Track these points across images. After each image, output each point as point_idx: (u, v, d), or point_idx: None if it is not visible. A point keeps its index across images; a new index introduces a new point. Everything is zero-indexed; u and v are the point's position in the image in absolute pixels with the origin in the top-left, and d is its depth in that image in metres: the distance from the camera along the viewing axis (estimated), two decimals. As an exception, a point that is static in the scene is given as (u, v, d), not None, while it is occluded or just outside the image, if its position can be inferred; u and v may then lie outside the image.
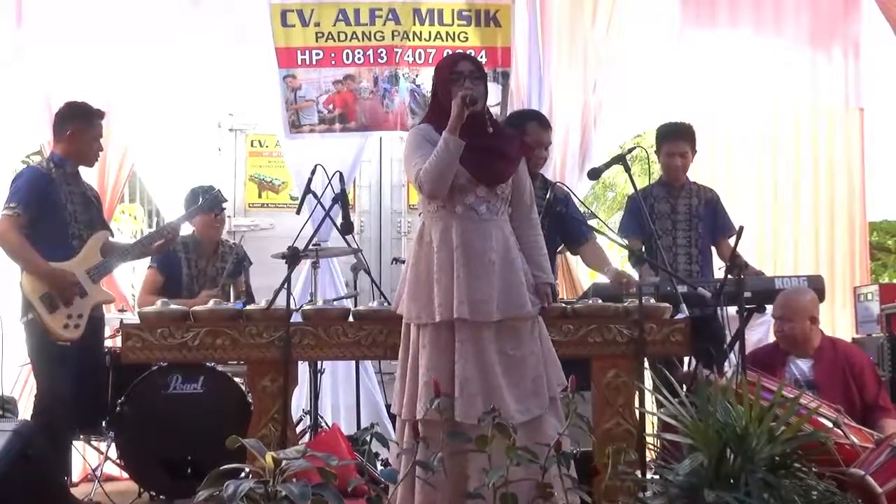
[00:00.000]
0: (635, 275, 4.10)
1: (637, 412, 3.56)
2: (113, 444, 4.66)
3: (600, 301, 3.74)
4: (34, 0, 5.68)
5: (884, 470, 3.29)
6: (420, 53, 5.72)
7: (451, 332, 3.25)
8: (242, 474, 2.74)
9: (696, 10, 6.04)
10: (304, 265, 5.00)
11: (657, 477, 3.04)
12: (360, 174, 6.08)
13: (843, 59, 6.09)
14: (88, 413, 4.45)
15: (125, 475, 4.87)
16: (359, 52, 5.70)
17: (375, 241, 6.19)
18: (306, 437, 4.55)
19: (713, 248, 4.93)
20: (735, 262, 3.89)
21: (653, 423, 4.08)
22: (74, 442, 4.69)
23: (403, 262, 3.87)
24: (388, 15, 5.69)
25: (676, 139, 4.87)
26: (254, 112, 6.15)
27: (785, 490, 2.67)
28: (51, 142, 4.72)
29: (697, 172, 5.20)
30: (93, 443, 5.10)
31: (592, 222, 4.47)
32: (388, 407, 4.98)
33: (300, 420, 4.77)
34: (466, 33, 5.74)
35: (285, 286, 3.57)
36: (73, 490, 4.48)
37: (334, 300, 4.56)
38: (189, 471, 4.19)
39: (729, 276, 3.89)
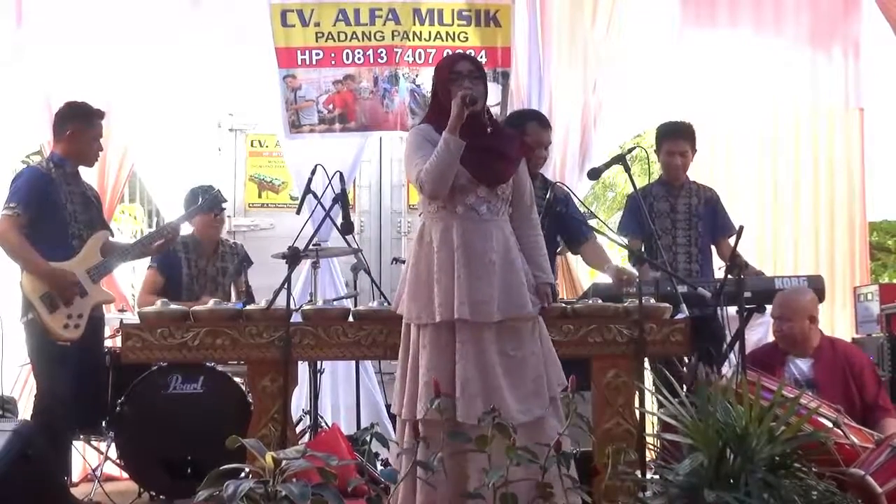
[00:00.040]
0: (635, 272, 4.10)
1: (637, 412, 3.56)
2: (113, 444, 4.66)
3: (600, 301, 3.74)
4: (34, 0, 5.68)
5: (884, 470, 3.29)
6: (420, 53, 5.72)
7: (452, 332, 3.25)
8: (242, 474, 2.74)
9: (696, 10, 6.04)
10: (304, 265, 5.00)
11: (657, 477, 3.04)
12: (360, 174, 6.08)
13: (843, 59, 6.09)
14: (88, 413, 4.45)
15: (125, 475, 4.87)
16: (359, 52, 5.70)
17: (375, 241, 6.19)
18: (306, 437, 4.55)
19: (713, 248, 4.93)
20: (735, 262, 3.89)
21: (653, 423, 4.08)
22: (74, 442, 4.69)
23: (403, 262, 3.87)
24: (388, 15, 5.69)
25: (676, 138, 4.87)
26: (254, 112, 6.15)
27: (785, 490, 2.67)
28: (51, 142, 4.72)
29: (697, 172, 5.20)
30: (93, 443, 5.10)
31: (592, 222, 4.47)
32: (388, 407, 4.98)
33: (300, 420, 4.77)
34: (466, 33, 5.74)
35: (285, 286, 3.57)
36: (73, 490, 4.48)
37: (334, 300, 4.56)
38: (189, 471, 4.19)
39: (729, 276, 3.89)
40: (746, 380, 3.10)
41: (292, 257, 3.66)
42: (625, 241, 4.63)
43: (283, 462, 2.56)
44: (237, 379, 4.56)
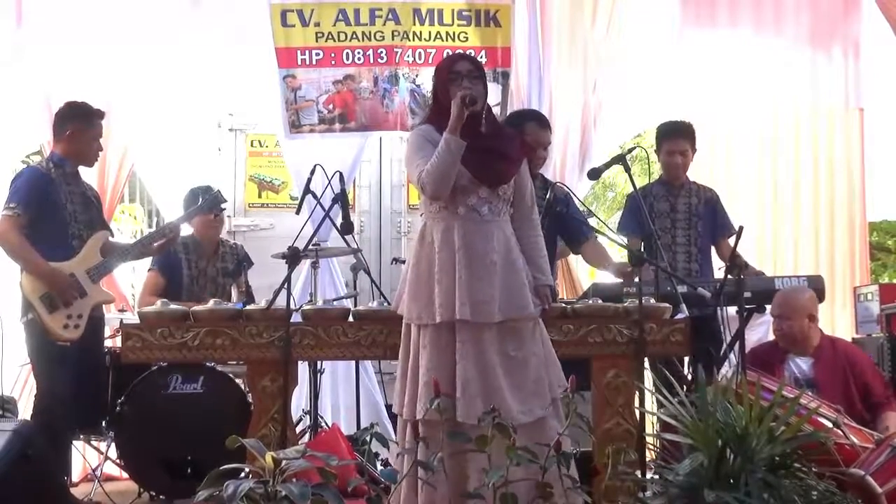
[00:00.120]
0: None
1: (637, 412, 3.56)
2: (113, 444, 4.66)
3: (600, 301, 3.74)
4: (34, 0, 5.68)
5: (884, 470, 3.29)
6: (420, 53, 5.72)
7: (452, 332, 3.25)
8: (242, 474, 2.74)
9: (696, 10, 6.04)
10: (304, 265, 5.00)
11: (657, 477, 3.04)
12: (360, 174, 6.08)
13: (843, 59, 6.09)
14: (88, 413, 4.45)
15: (125, 475, 4.87)
16: (359, 52, 5.70)
17: (375, 241, 6.19)
18: (306, 437, 4.55)
19: (713, 248, 4.93)
20: (735, 262, 3.90)
21: (653, 423, 4.08)
22: (74, 442, 4.69)
23: (403, 262, 3.87)
24: (388, 15, 5.69)
25: (677, 137, 4.87)
26: (254, 112, 6.15)
27: (785, 490, 2.67)
28: (51, 142, 4.72)
29: (697, 172, 5.20)
30: (93, 443, 5.10)
31: (592, 222, 4.47)
32: (388, 407, 4.99)
33: (300, 420, 4.77)
34: (466, 33, 5.74)
35: (285, 286, 3.57)
36: (73, 490, 4.48)
37: (334, 300, 4.56)
38: (189, 471, 4.19)
39: (729, 276, 3.89)
40: (746, 380, 3.11)
41: (292, 257, 3.66)
42: (624, 240, 4.63)
43: (283, 462, 2.56)
44: (237, 379, 4.56)
